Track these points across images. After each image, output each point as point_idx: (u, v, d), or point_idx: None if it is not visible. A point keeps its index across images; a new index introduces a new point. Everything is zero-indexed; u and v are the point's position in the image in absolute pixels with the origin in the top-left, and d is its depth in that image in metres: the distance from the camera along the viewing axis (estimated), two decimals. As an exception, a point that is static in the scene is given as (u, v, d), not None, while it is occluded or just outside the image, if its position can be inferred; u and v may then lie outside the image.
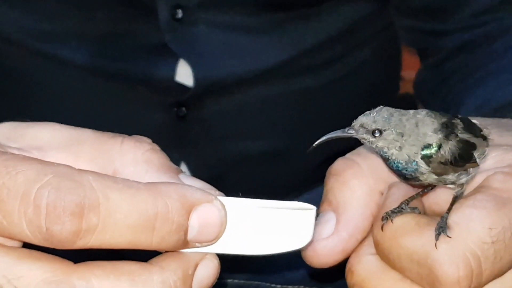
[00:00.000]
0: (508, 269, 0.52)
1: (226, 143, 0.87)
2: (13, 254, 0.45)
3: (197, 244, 0.47)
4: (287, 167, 0.89)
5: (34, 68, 0.87)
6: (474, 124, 0.55)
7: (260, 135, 0.87)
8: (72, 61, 0.86)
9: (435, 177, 0.53)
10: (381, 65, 0.93)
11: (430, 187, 0.55)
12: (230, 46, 0.85)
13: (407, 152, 0.52)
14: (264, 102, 0.87)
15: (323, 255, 0.55)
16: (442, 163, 0.52)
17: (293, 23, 0.86)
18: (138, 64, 0.85)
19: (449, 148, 0.52)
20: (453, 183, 0.53)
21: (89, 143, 0.50)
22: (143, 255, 0.47)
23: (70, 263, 0.45)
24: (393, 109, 0.53)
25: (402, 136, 0.52)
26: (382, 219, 0.53)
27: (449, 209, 0.52)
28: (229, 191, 0.50)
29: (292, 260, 0.87)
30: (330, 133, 0.53)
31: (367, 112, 0.53)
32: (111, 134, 0.51)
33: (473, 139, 0.53)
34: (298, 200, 0.50)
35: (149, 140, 0.51)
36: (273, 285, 0.80)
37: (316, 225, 0.50)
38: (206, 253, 0.48)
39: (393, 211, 0.53)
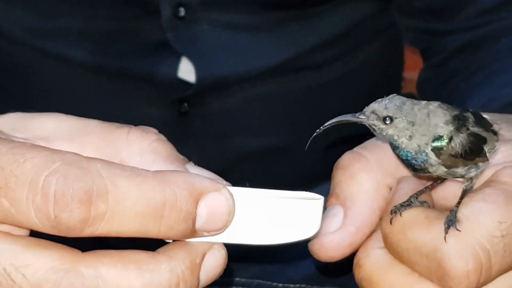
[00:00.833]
0: None
1: (228, 139, 0.87)
2: (20, 242, 0.45)
3: (205, 233, 0.47)
4: (289, 164, 0.89)
5: (36, 65, 0.87)
6: (484, 118, 0.55)
7: (262, 132, 0.87)
8: (74, 58, 0.86)
9: (445, 169, 0.53)
10: (383, 65, 0.93)
11: (439, 180, 0.55)
12: (232, 44, 0.85)
13: (418, 142, 0.52)
14: (265, 99, 0.87)
15: (330, 249, 0.55)
16: (452, 155, 0.52)
17: (295, 23, 0.86)
18: (140, 62, 0.85)
19: (460, 141, 0.52)
20: (462, 176, 0.53)
21: (95, 133, 0.50)
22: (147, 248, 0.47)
23: (78, 252, 0.45)
24: (406, 98, 0.53)
25: (413, 125, 0.52)
26: (391, 212, 0.53)
27: (459, 203, 0.52)
28: (230, 185, 0.50)
29: (294, 258, 0.87)
30: (340, 116, 0.53)
31: (380, 99, 0.53)
32: (117, 124, 0.51)
33: (483, 133, 0.53)
34: None
35: (155, 130, 0.51)
36: (274, 284, 0.80)
37: (323, 218, 0.50)
38: (214, 243, 0.48)
39: (402, 205, 0.53)
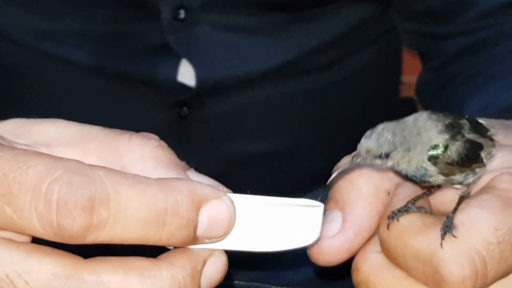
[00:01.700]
0: None
1: (228, 143, 0.87)
2: (23, 249, 0.45)
3: (206, 240, 0.47)
4: (288, 167, 0.89)
5: (36, 67, 0.87)
6: (481, 124, 0.55)
7: (261, 135, 0.88)
8: (74, 60, 0.86)
9: (443, 177, 0.53)
10: (382, 68, 0.94)
11: (437, 187, 0.55)
12: (232, 47, 0.85)
13: (416, 163, 0.53)
14: (266, 103, 0.87)
15: (329, 254, 0.55)
16: (448, 163, 0.52)
17: (295, 25, 0.86)
18: (140, 64, 0.85)
19: (455, 148, 0.53)
20: (460, 183, 0.54)
21: (97, 139, 0.51)
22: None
23: (80, 258, 0.46)
24: (393, 124, 0.53)
25: (409, 151, 0.52)
26: (388, 218, 0.53)
27: (455, 209, 0.53)
28: (231, 191, 0.50)
29: (293, 262, 0.87)
30: (341, 167, 0.54)
31: (368, 133, 0.53)
32: (118, 130, 0.51)
33: (480, 140, 0.54)
34: None
35: (156, 137, 0.51)
36: (273, 287, 0.81)
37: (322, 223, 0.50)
38: (215, 250, 0.48)
39: (399, 210, 0.53)
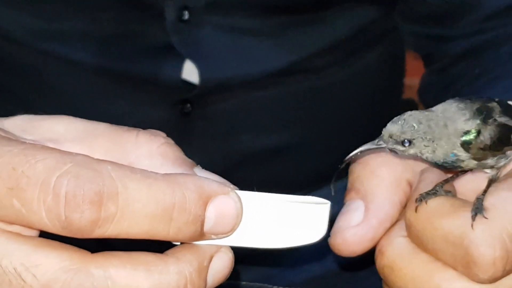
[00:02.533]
0: None
1: (231, 140, 0.87)
2: (30, 242, 0.46)
3: (213, 236, 0.47)
4: (291, 164, 0.89)
5: (40, 67, 0.87)
6: (511, 106, 0.55)
7: (265, 132, 0.88)
8: (78, 60, 0.86)
9: (475, 162, 0.53)
10: (385, 69, 0.94)
11: (466, 171, 0.55)
12: (236, 48, 0.85)
13: (443, 151, 0.53)
14: (269, 101, 0.87)
15: (353, 243, 0.55)
16: (481, 148, 0.53)
17: (299, 27, 0.86)
18: (144, 64, 0.85)
19: (488, 133, 0.53)
20: (492, 167, 0.54)
21: (104, 136, 0.51)
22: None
23: (88, 253, 0.46)
24: (420, 113, 0.53)
25: (433, 141, 0.53)
26: (416, 201, 0.54)
27: (485, 191, 0.53)
28: (238, 189, 0.50)
29: (295, 262, 0.87)
30: (362, 146, 0.53)
31: (395, 118, 0.53)
32: (125, 127, 0.51)
33: (511, 122, 0.54)
34: None
35: (163, 134, 0.51)
36: (275, 287, 0.81)
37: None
38: (221, 246, 0.48)
39: (427, 193, 0.54)
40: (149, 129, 0.51)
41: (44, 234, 0.47)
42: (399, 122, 0.53)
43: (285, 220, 0.49)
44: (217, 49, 0.85)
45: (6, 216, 0.45)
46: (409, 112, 0.53)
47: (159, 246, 0.48)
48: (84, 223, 0.44)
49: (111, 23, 0.85)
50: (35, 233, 0.47)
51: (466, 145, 0.53)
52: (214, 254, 0.48)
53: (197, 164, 0.51)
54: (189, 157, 0.49)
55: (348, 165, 0.57)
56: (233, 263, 0.49)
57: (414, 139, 0.53)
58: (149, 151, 0.50)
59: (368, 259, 0.57)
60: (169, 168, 0.49)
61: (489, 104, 0.54)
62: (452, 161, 0.53)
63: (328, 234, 0.51)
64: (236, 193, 0.47)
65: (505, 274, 0.52)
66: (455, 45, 0.87)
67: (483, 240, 0.51)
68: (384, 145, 0.53)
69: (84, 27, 0.86)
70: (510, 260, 0.51)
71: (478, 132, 0.53)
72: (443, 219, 0.52)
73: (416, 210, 0.53)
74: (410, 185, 0.57)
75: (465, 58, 0.86)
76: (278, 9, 0.85)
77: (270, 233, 0.49)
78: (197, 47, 0.85)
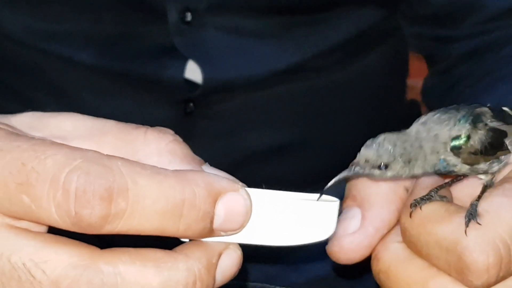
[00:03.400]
0: None
1: (233, 139, 0.87)
2: (39, 238, 0.45)
3: (222, 233, 0.47)
4: (294, 163, 0.89)
5: (43, 67, 0.87)
6: (504, 111, 0.55)
7: (268, 131, 0.88)
8: (80, 61, 0.86)
9: (468, 167, 0.53)
10: (388, 70, 0.94)
11: (461, 177, 0.55)
12: (238, 49, 0.85)
13: (422, 168, 0.53)
14: (271, 100, 0.87)
15: (350, 250, 0.55)
16: (472, 153, 0.53)
17: (301, 28, 0.87)
18: (147, 65, 0.85)
19: (478, 138, 0.53)
20: (485, 172, 0.54)
21: (112, 133, 0.51)
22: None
23: (97, 249, 0.45)
24: (395, 135, 0.53)
25: (409, 162, 0.53)
26: (411, 206, 0.53)
27: (479, 197, 0.53)
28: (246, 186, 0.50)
29: (297, 263, 0.87)
30: (338, 175, 0.53)
31: (368, 142, 0.53)
32: (134, 125, 0.51)
33: (503, 127, 0.54)
34: None
35: (171, 131, 0.51)
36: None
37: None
38: (230, 243, 0.48)
39: (422, 199, 0.53)
40: (158, 127, 0.51)
41: (53, 230, 0.46)
42: (374, 146, 0.52)
43: (294, 218, 0.48)
44: (220, 50, 0.85)
45: (15, 211, 0.45)
46: (382, 135, 0.53)
47: (165, 244, 0.47)
48: (94, 219, 0.44)
49: (113, 24, 0.85)
50: (44, 229, 0.46)
51: (456, 150, 0.53)
52: (223, 251, 0.48)
53: (205, 161, 0.51)
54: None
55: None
56: (242, 260, 0.49)
57: (390, 162, 0.52)
58: (158, 148, 0.50)
59: (366, 265, 0.57)
60: (178, 165, 0.49)
61: (478, 110, 0.54)
62: (443, 167, 0.53)
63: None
64: (245, 190, 0.47)
65: (499, 280, 0.52)
66: (457, 47, 0.87)
67: (477, 246, 0.50)
68: (361, 171, 0.53)
69: (86, 28, 0.86)
70: (504, 267, 0.51)
71: (468, 137, 0.53)
72: (437, 224, 0.52)
73: (410, 216, 0.53)
74: (407, 191, 0.57)
75: (467, 59, 0.86)
76: (281, 10, 0.86)
77: (278, 230, 0.49)
78: (200, 49, 0.85)
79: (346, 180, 0.58)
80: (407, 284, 0.53)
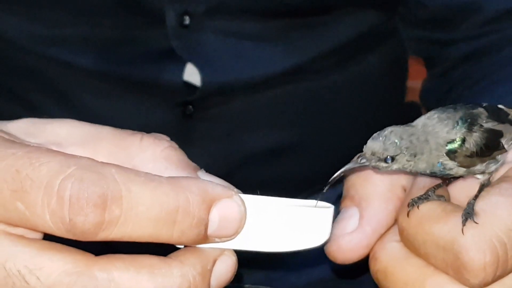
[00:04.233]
0: None
1: (232, 142, 0.87)
2: (34, 245, 0.46)
3: (217, 239, 0.47)
4: (293, 166, 0.89)
5: (41, 71, 0.87)
6: (500, 109, 0.55)
7: (267, 134, 0.88)
8: (78, 65, 0.86)
9: (464, 169, 0.53)
10: (387, 73, 0.94)
11: (459, 177, 0.55)
12: (237, 53, 0.85)
13: (426, 164, 0.53)
14: (270, 103, 0.87)
15: (348, 250, 0.55)
16: (468, 156, 0.53)
17: (300, 31, 0.87)
18: (145, 68, 0.85)
19: (473, 140, 0.53)
20: (482, 172, 0.54)
21: (108, 139, 0.51)
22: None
23: (91, 255, 0.46)
24: (401, 128, 0.53)
25: (415, 156, 0.53)
26: (408, 205, 0.54)
27: (476, 196, 0.53)
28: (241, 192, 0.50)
29: (297, 265, 0.87)
30: (344, 167, 0.53)
31: (375, 135, 0.53)
32: (130, 131, 0.51)
33: (499, 127, 0.54)
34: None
35: (167, 138, 0.52)
36: (277, 290, 0.81)
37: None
38: (225, 249, 0.48)
39: (419, 198, 0.54)
40: (153, 133, 0.52)
41: (48, 237, 0.47)
42: (380, 138, 0.53)
43: (289, 224, 0.49)
44: (219, 53, 0.85)
45: (10, 218, 0.45)
46: (389, 128, 0.53)
47: (163, 249, 0.48)
48: (88, 226, 0.44)
49: (112, 28, 0.85)
50: (39, 235, 0.47)
51: (451, 154, 0.53)
52: (218, 257, 0.48)
53: (198, 165, 0.51)
54: (191, 159, 0.49)
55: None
56: (237, 266, 0.49)
57: (397, 155, 0.53)
58: (153, 154, 0.50)
59: (366, 267, 0.57)
60: (173, 171, 0.49)
61: (474, 111, 0.54)
62: (440, 170, 0.53)
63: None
64: (240, 196, 0.48)
65: (496, 279, 0.52)
66: (456, 49, 0.87)
67: (473, 245, 0.51)
68: (367, 163, 0.53)
69: (85, 33, 0.86)
70: (500, 265, 0.51)
71: (463, 140, 0.53)
72: (434, 224, 0.52)
73: (408, 215, 0.53)
74: (405, 191, 0.57)
75: (466, 62, 0.86)
76: (279, 14, 0.86)
77: (273, 236, 0.49)
78: (198, 52, 0.85)
79: (343, 178, 0.58)
80: (404, 283, 0.53)
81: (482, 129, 0.53)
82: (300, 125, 0.89)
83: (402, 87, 0.98)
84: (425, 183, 0.55)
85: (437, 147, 0.53)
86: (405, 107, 0.98)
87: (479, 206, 0.52)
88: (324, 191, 0.51)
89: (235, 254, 0.49)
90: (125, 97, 0.86)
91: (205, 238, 0.47)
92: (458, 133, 0.53)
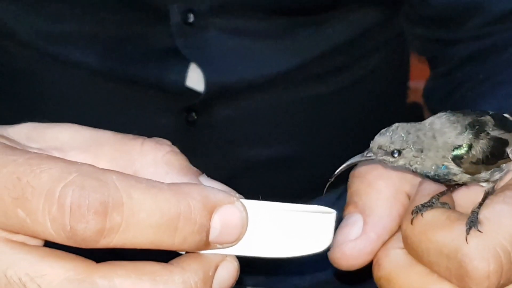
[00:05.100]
0: None
1: (236, 148, 0.87)
2: (35, 252, 0.45)
3: (218, 245, 0.47)
4: (296, 173, 0.89)
5: (45, 69, 0.87)
6: (506, 118, 0.55)
7: (269, 141, 0.88)
8: (83, 63, 0.86)
9: (468, 176, 0.53)
10: (390, 73, 0.94)
11: (462, 184, 0.55)
12: (241, 51, 0.85)
13: (432, 162, 0.53)
14: (273, 109, 0.87)
15: (352, 257, 0.55)
16: (473, 163, 0.53)
17: (304, 30, 0.86)
18: (149, 67, 0.85)
19: (480, 147, 0.53)
20: (486, 180, 0.54)
21: (109, 144, 0.51)
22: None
23: (92, 262, 0.46)
24: (408, 124, 0.53)
25: (422, 152, 0.52)
26: (412, 213, 0.53)
27: (480, 204, 0.53)
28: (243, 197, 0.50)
29: (300, 267, 0.87)
30: (350, 159, 0.53)
31: (383, 130, 0.53)
32: (131, 136, 0.51)
33: (505, 135, 0.54)
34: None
35: (169, 142, 0.51)
36: (279, 292, 0.81)
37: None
38: (226, 255, 0.48)
39: (423, 205, 0.53)
40: (155, 138, 0.51)
41: (50, 244, 0.47)
42: (388, 133, 0.53)
43: (291, 230, 0.48)
44: (222, 52, 0.85)
45: (11, 225, 0.45)
46: (396, 124, 0.53)
47: (166, 255, 0.48)
48: (89, 233, 0.44)
49: (116, 25, 0.85)
50: (40, 242, 0.47)
51: (457, 160, 0.53)
52: (220, 263, 0.48)
53: (202, 172, 0.51)
54: (194, 165, 0.49)
55: (348, 170, 0.57)
56: (239, 272, 0.49)
57: (403, 149, 0.52)
58: (155, 159, 0.50)
59: (369, 271, 0.57)
60: (174, 176, 0.49)
61: (482, 118, 0.54)
62: (444, 174, 0.53)
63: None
64: (241, 202, 0.47)
65: (500, 287, 0.52)
66: (459, 49, 0.86)
67: (477, 253, 0.50)
68: (373, 157, 0.53)
69: (89, 29, 0.86)
70: (504, 274, 0.51)
71: (470, 147, 0.52)
72: (438, 231, 0.52)
73: (412, 222, 0.53)
74: (408, 197, 0.57)
75: (469, 62, 0.86)
76: (283, 12, 0.85)
77: (275, 242, 0.49)
78: (202, 50, 0.85)
79: (347, 177, 0.58)
80: None
81: (488, 137, 0.53)
82: (303, 132, 0.89)
83: (404, 89, 0.98)
84: (430, 190, 0.55)
85: (445, 145, 0.52)
86: (408, 108, 0.98)
87: (483, 214, 0.52)
88: (331, 180, 0.51)
89: (237, 260, 0.49)
90: (128, 102, 0.86)
91: (207, 245, 0.47)
92: (465, 139, 0.52)
